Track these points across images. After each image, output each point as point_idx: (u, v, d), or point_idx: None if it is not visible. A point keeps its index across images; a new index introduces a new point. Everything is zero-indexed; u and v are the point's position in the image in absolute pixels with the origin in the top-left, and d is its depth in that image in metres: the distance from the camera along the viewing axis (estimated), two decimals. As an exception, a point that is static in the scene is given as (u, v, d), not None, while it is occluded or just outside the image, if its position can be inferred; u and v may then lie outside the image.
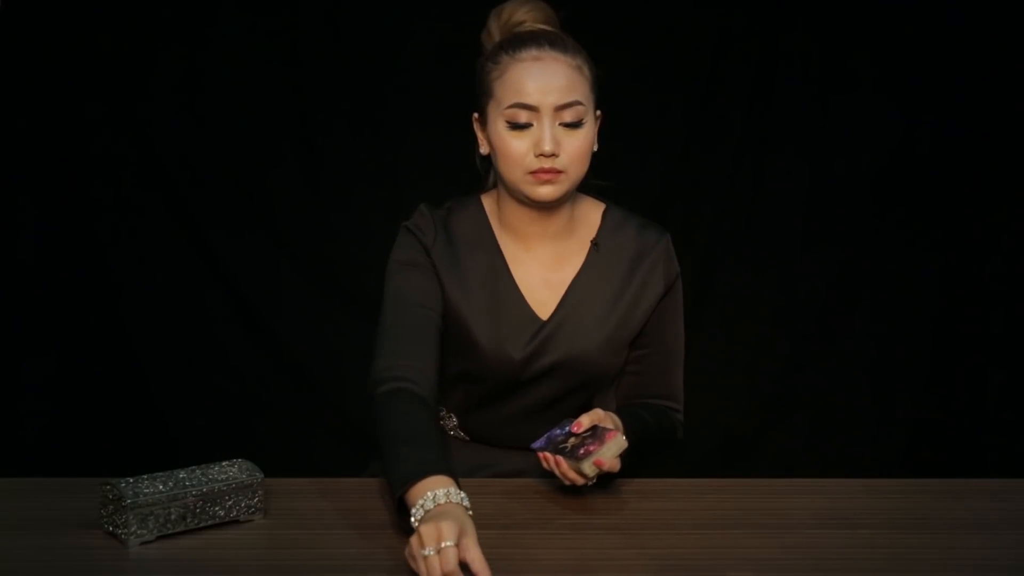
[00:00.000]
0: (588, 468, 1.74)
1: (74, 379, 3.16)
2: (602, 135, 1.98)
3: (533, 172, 1.88)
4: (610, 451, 1.75)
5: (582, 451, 1.75)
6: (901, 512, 1.81)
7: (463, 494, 1.62)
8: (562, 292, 1.98)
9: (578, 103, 1.88)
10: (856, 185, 3.22)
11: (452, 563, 1.49)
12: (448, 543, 1.50)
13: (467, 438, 2.06)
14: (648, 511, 1.80)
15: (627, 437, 1.78)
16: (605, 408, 1.99)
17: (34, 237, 3.10)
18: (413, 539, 1.54)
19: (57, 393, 3.15)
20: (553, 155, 1.86)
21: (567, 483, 1.78)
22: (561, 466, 1.76)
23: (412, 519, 1.60)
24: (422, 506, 1.60)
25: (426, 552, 1.50)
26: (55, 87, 3.07)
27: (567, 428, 1.82)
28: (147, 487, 1.66)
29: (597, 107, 1.95)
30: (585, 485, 1.78)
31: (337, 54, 3.13)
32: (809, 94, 3.19)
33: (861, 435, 3.28)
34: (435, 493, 1.60)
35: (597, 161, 2.02)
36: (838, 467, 3.15)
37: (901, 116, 3.20)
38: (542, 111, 1.86)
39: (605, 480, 1.82)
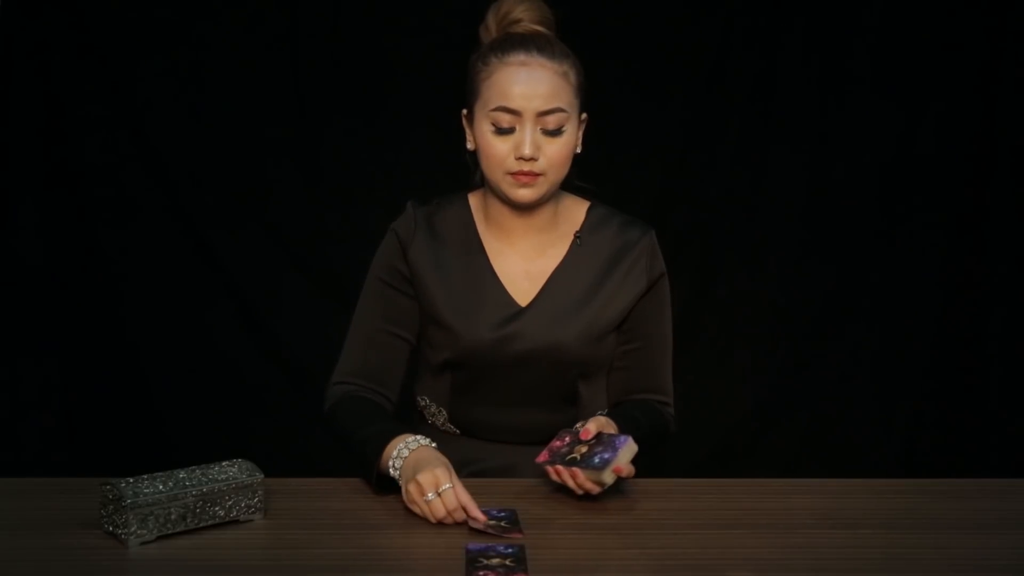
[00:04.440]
0: (608, 477, 1.76)
1: (74, 379, 3.16)
2: (598, 138, 2.00)
3: (512, 174, 1.93)
4: (625, 456, 1.76)
5: (598, 460, 1.76)
6: (901, 512, 1.81)
7: (427, 439, 1.83)
8: (542, 282, 2.02)
9: (560, 110, 1.92)
10: (856, 185, 3.22)
11: (454, 502, 1.71)
12: (447, 486, 1.71)
13: (457, 431, 2.07)
14: (648, 511, 1.80)
15: None
16: (594, 399, 2.04)
17: (34, 237, 3.10)
18: (411, 487, 1.74)
19: (57, 393, 3.15)
20: (533, 159, 1.91)
21: (580, 493, 1.79)
22: (578, 477, 1.77)
23: (391, 471, 1.80)
24: (398, 456, 1.80)
25: (429, 497, 1.71)
26: (55, 87, 3.07)
27: (567, 438, 1.83)
28: (147, 487, 1.66)
29: (583, 111, 1.99)
30: (592, 493, 1.79)
31: (337, 54, 3.13)
32: (809, 94, 3.19)
33: (861, 435, 3.28)
34: (405, 442, 1.81)
35: (596, 162, 2.03)
36: (838, 467, 3.15)
37: (901, 116, 3.20)
38: (525, 116, 1.91)
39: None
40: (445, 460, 1.78)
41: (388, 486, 1.81)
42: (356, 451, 1.89)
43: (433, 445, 1.82)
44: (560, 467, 1.79)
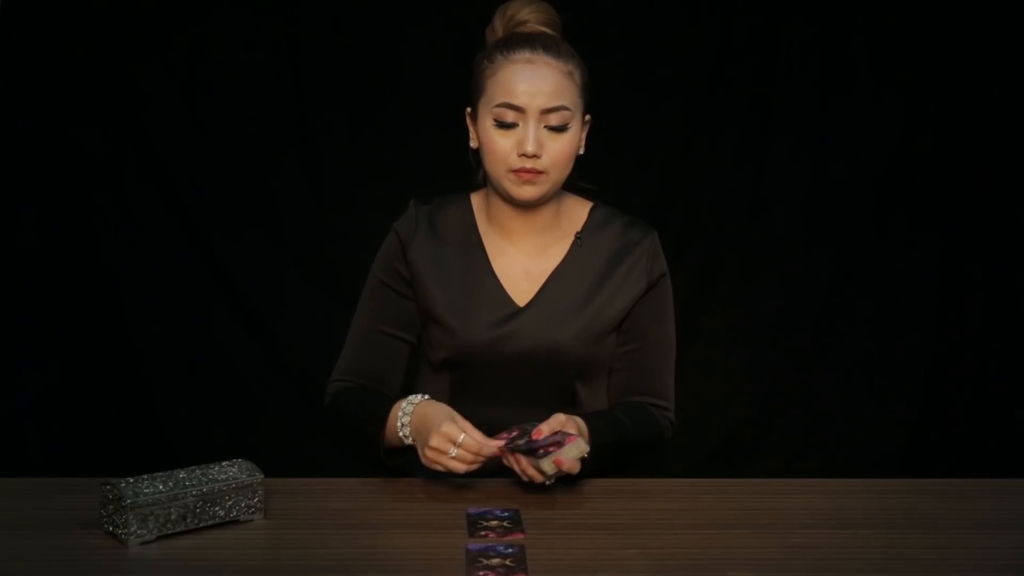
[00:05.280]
0: (548, 466, 1.77)
1: (75, 380, 3.16)
2: (598, 138, 2.00)
3: (515, 171, 1.93)
4: (570, 453, 1.77)
5: (541, 451, 1.77)
6: (901, 512, 1.81)
7: (418, 396, 1.89)
8: (542, 282, 2.02)
9: (564, 108, 1.93)
10: (856, 185, 3.22)
11: (475, 447, 1.77)
12: (461, 437, 1.77)
13: None
14: (648, 511, 1.80)
15: (596, 439, 1.84)
16: (593, 399, 2.04)
17: (35, 238, 3.10)
18: (429, 452, 1.79)
19: (58, 393, 3.15)
20: (535, 156, 1.92)
21: (525, 479, 1.81)
22: (520, 463, 1.80)
23: (405, 440, 1.86)
24: (400, 421, 1.87)
25: (452, 453, 1.77)
26: (56, 88, 3.07)
27: (527, 427, 1.83)
28: (147, 487, 1.66)
29: (587, 112, 1.99)
30: (544, 484, 1.80)
31: (337, 54, 3.13)
32: (809, 95, 3.19)
33: (861, 435, 3.28)
34: (402, 408, 1.87)
35: (596, 162, 2.03)
36: (838, 467, 3.15)
37: (901, 117, 3.20)
38: (528, 113, 1.92)
39: (595, 480, 1.84)
40: (447, 410, 1.84)
41: (400, 457, 1.89)
42: (359, 435, 1.93)
43: (427, 398, 1.88)
44: (507, 451, 1.80)
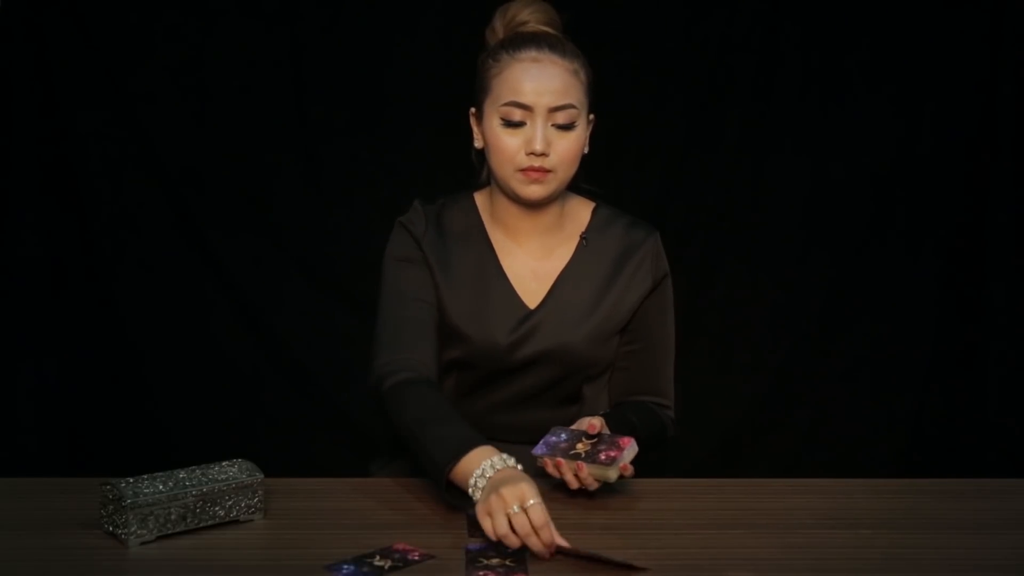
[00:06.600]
0: (614, 473, 1.76)
1: (74, 379, 3.16)
2: (598, 138, 2.00)
3: (523, 170, 1.93)
4: (629, 456, 1.78)
5: (604, 457, 1.77)
6: (901, 512, 1.81)
7: (512, 459, 1.69)
8: (550, 283, 2.02)
9: (571, 106, 1.92)
10: (856, 186, 3.22)
11: (543, 517, 1.59)
12: (532, 501, 1.59)
13: None
14: (648, 511, 1.80)
15: None
16: (596, 398, 2.05)
17: (35, 238, 3.10)
18: (493, 500, 1.61)
19: (57, 393, 3.15)
20: (543, 155, 1.91)
21: (574, 488, 1.79)
22: (582, 471, 1.77)
23: (471, 491, 1.67)
24: (481, 475, 1.66)
25: (513, 509, 1.59)
26: (55, 88, 3.07)
27: (562, 435, 1.83)
28: (147, 487, 1.66)
29: (591, 111, 1.99)
30: (588, 489, 1.79)
31: (337, 54, 3.13)
32: (809, 95, 3.19)
33: (861, 435, 3.28)
34: (490, 461, 1.68)
35: (596, 162, 2.03)
36: (838, 467, 3.15)
37: (901, 118, 3.20)
38: (536, 111, 1.91)
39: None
40: (530, 479, 1.66)
41: (458, 497, 1.73)
42: (425, 451, 1.76)
43: (519, 467, 1.69)
44: (561, 460, 1.79)
